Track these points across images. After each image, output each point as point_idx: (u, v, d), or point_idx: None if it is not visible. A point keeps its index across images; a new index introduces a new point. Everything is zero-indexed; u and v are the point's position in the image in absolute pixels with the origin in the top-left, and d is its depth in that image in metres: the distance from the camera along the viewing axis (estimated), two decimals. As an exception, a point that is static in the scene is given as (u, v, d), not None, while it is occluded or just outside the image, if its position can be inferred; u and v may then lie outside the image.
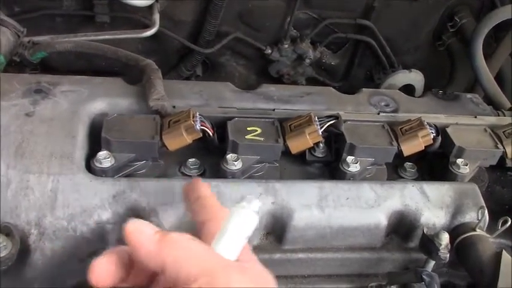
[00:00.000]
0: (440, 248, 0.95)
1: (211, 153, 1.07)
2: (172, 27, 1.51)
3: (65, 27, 1.43)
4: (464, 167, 1.09)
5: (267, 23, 1.60)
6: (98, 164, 0.96)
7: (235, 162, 1.01)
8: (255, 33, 1.60)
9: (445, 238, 0.95)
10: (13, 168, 0.91)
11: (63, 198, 0.90)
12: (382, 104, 1.23)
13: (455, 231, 1.02)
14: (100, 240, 0.92)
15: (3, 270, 0.82)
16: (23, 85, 1.07)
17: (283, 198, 0.97)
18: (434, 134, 1.11)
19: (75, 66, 1.45)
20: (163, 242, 0.62)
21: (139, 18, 1.45)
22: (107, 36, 1.36)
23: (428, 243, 0.97)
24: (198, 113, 1.03)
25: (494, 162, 1.14)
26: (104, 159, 0.97)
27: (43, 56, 1.25)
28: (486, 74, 1.41)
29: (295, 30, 1.63)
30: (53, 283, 0.88)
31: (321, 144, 1.11)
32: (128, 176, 1.00)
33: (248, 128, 1.06)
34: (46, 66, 1.43)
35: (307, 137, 1.04)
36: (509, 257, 0.95)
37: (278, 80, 1.70)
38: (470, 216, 1.03)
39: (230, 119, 1.07)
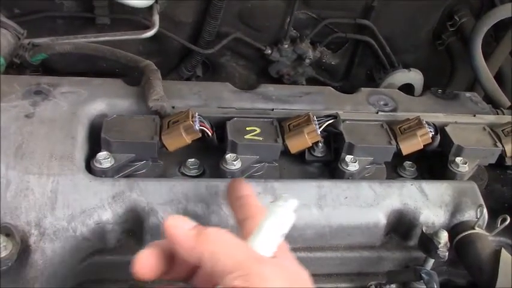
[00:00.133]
0: (439, 246, 0.95)
1: (210, 153, 1.07)
2: (173, 28, 1.51)
3: (66, 29, 1.44)
4: (463, 166, 1.09)
5: (267, 24, 1.60)
6: (97, 165, 0.97)
7: (235, 162, 1.01)
8: (255, 33, 1.61)
9: (444, 236, 0.96)
10: (13, 169, 0.92)
11: (63, 198, 0.90)
12: (381, 103, 1.24)
13: (455, 229, 1.02)
14: (100, 240, 0.92)
15: (3, 271, 0.83)
16: (23, 86, 1.08)
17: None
18: (433, 133, 1.12)
19: (76, 68, 1.45)
20: (200, 237, 0.64)
21: (139, 19, 1.46)
22: (107, 38, 1.37)
23: (427, 242, 0.97)
24: (197, 113, 1.04)
25: (493, 160, 1.14)
26: (104, 159, 0.97)
27: (43, 58, 1.25)
28: (485, 72, 1.41)
29: (295, 31, 1.63)
30: (53, 283, 0.88)
31: (320, 144, 1.12)
32: (127, 176, 1.00)
33: (247, 128, 1.06)
34: (47, 68, 1.44)
35: (306, 136, 1.05)
36: (508, 255, 0.95)
37: (278, 80, 1.70)
38: (469, 215, 1.03)
39: (229, 119, 1.08)
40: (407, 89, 1.66)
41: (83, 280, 0.96)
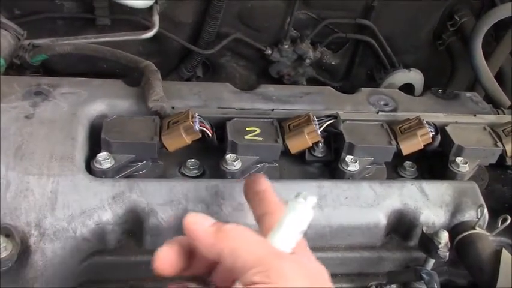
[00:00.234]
0: (440, 246, 0.95)
1: (210, 154, 1.07)
2: (173, 28, 1.51)
3: (66, 30, 1.44)
4: (463, 166, 1.09)
5: (267, 24, 1.60)
6: (97, 165, 0.97)
7: (235, 163, 1.01)
8: (255, 34, 1.61)
9: (444, 237, 0.95)
10: (13, 170, 0.92)
11: (63, 199, 0.90)
12: (381, 103, 1.24)
13: (455, 229, 1.01)
14: (100, 241, 0.92)
15: (3, 272, 0.83)
16: (23, 87, 1.08)
17: (282, 198, 0.97)
18: (434, 133, 1.11)
19: (76, 69, 1.45)
20: (220, 233, 0.65)
21: (139, 20, 1.46)
22: (107, 39, 1.37)
23: (428, 242, 0.97)
24: (197, 114, 1.04)
25: (493, 160, 1.14)
26: (104, 160, 0.97)
27: (43, 59, 1.25)
28: (486, 72, 1.41)
29: (295, 31, 1.63)
30: (53, 284, 0.88)
31: (320, 144, 1.12)
32: (127, 177, 1.00)
33: (247, 128, 1.06)
34: (48, 69, 1.44)
35: (306, 136, 1.04)
36: (509, 255, 0.95)
37: (279, 80, 1.70)
38: (469, 215, 1.03)
39: (229, 119, 1.08)
40: (408, 89, 1.66)
41: (83, 281, 0.96)
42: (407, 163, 1.14)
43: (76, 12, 1.45)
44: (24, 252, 0.86)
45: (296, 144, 1.05)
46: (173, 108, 1.09)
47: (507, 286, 0.92)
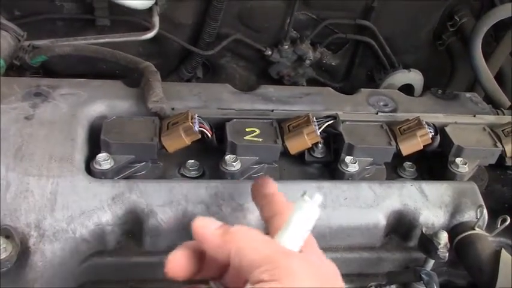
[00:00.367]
0: (439, 247, 0.95)
1: (210, 155, 1.07)
2: (172, 29, 1.51)
3: (66, 31, 1.44)
4: (463, 166, 1.09)
5: (267, 24, 1.60)
6: (97, 166, 0.97)
7: (234, 163, 1.01)
8: (255, 34, 1.61)
9: (443, 237, 0.95)
10: (13, 171, 0.92)
11: (63, 200, 0.90)
12: (381, 103, 1.24)
13: (454, 230, 1.01)
14: (99, 241, 0.92)
15: (3, 272, 0.83)
16: (23, 88, 1.08)
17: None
18: (433, 134, 1.11)
19: (76, 70, 1.45)
20: (227, 235, 0.66)
21: (139, 21, 1.46)
22: (107, 40, 1.37)
23: (427, 243, 0.97)
24: (196, 115, 1.04)
25: (493, 161, 1.14)
26: (103, 161, 0.97)
27: (43, 60, 1.25)
28: (485, 72, 1.41)
29: (295, 31, 1.64)
30: (53, 285, 0.88)
31: (319, 145, 1.12)
32: (127, 177, 1.00)
33: (247, 129, 1.06)
34: (48, 70, 1.44)
35: (306, 137, 1.05)
36: (509, 255, 0.95)
37: (279, 81, 1.70)
38: (469, 215, 1.03)
39: (229, 120, 1.08)
40: (407, 89, 1.67)
41: (83, 281, 0.97)
42: (407, 164, 1.14)
43: (76, 13, 1.46)
44: (23, 253, 0.86)
45: (295, 145, 1.06)
46: (173, 109, 1.09)
47: (507, 286, 0.92)
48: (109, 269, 0.98)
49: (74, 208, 0.90)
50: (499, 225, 0.98)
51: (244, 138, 1.04)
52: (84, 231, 0.90)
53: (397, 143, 1.09)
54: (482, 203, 1.03)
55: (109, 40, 1.36)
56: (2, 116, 1.00)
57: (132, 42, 1.43)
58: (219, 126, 1.08)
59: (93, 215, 0.91)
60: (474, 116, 1.23)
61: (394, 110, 1.22)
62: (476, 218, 1.00)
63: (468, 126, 1.17)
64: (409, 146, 1.09)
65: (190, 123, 1.00)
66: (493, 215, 1.02)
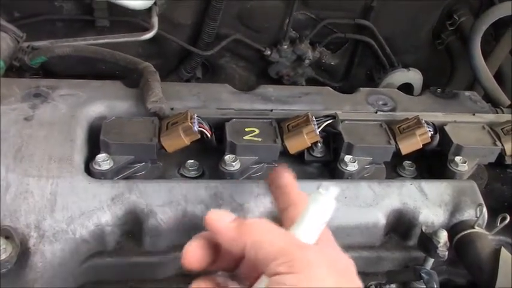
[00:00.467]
0: (439, 245, 0.95)
1: (209, 155, 1.07)
2: (172, 30, 1.51)
3: (65, 32, 1.44)
4: (462, 165, 1.09)
5: (266, 24, 1.60)
6: (97, 167, 0.97)
7: (234, 163, 1.02)
8: (254, 34, 1.61)
9: (443, 236, 0.95)
10: (12, 172, 0.92)
11: (63, 201, 0.91)
12: (380, 103, 1.24)
13: (454, 229, 1.02)
14: (99, 242, 0.93)
15: (3, 273, 0.83)
16: (22, 89, 1.08)
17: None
18: (432, 132, 1.12)
19: (75, 71, 1.46)
20: (242, 227, 0.66)
21: (138, 21, 1.46)
22: (106, 40, 1.37)
23: (427, 242, 0.97)
24: (195, 115, 1.04)
25: (492, 159, 1.14)
26: (103, 161, 0.97)
27: (43, 61, 1.25)
28: (485, 71, 1.41)
29: (294, 31, 1.63)
30: (53, 285, 0.88)
31: (319, 144, 1.12)
32: (126, 178, 1.01)
33: (246, 129, 1.06)
34: (47, 71, 1.44)
35: (305, 137, 1.05)
36: (508, 254, 0.95)
37: (278, 81, 1.70)
38: (468, 214, 1.03)
39: (228, 120, 1.08)
40: (407, 88, 1.66)
41: (83, 282, 0.97)
42: (406, 163, 1.14)
43: (75, 14, 1.46)
44: (23, 254, 0.86)
45: (295, 145, 1.06)
46: (172, 109, 1.09)
47: (506, 285, 0.92)
48: (109, 270, 0.98)
49: (74, 209, 0.90)
50: (498, 224, 0.99)
51: (244, 138, 1.04)
52: (84, 232, 0.90)
53: (396, 142, 1.09)
54: (482, 201, 1.03)
55: (108, 41, 1.36)
56: (1, 117, 1.01)
57: (132, 43, 1.43)
58: (218, 126, 1.08)
59: (93, 215, 0.91)
60: (473, 114, 1.23)
61: (394, 109, 1.22)
62: (476, 217, 1.00)
63: (467, 125, 1.17)
64: (409, 145, 1.09)
65: (190, 123, 1.00)
66: (493, 213, 1.02)
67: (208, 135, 1.05)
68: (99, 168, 0.97)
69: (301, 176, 1.12)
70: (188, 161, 1.06)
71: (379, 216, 1.00)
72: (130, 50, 1.40)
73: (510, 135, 1.13)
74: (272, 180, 0.80)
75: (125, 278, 1.01)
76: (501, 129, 1.15)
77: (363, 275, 1.08)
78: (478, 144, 1.12)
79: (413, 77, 1.70)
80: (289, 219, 0.71)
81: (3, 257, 0.82)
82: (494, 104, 1.34)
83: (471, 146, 1.10)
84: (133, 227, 0.94)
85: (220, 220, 0.68)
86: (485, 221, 1.02)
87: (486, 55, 1.48)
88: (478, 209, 1.01)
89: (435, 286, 0.97)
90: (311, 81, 1.73)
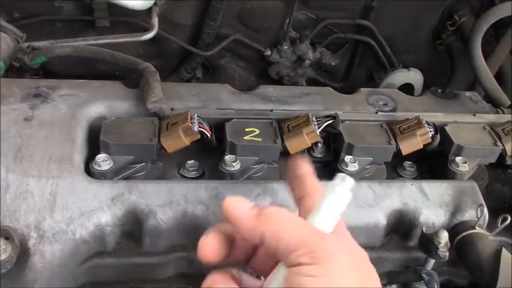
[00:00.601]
0: (440, 246, 0.95)
1: (209, 155, 1.07)
2: (172, 30, 1.51)
3: (65, 32, 1.44)
4: (463, 165, 1.09)
5: (266, 25, 1.60)
6: (96, 167, 0.97)
7: (234, 163, 1.01)
8: (255, 35, 1.61)
9: (444, 236, 0.95)
10: (12, 172, 0.92)
11: (62, 201, 0.90)
12: (381, 103, 1.24)
13: (455, 229, 1.01)
14: (99, 242, 0.92)
15: (3, 274, 0.83)
16: (22, 90, 1.08)
17: (282, 199, 0.97)
18: (433, 133, 1.11)
19: (76, 71, 1.45)
20: (262, 216, 0.65)
21: (138, 22, 1.46)
22: (106, 41, 1.37)
23: (428, 242, 0.96)
24: (196, 115, 1.03)
25: (493, 160, 1.13)
26: (103, 162, 0.97)
27: (43, 61, 1.25)
28: (485, 71, 1.41)
29: (294, 32, 1.63)
30: (52, 285, 0.88)
31: (319, 145, 1.12)
32: (126, 178, 1.00)
33: (246, 129, 1.06)
34: (47, 71, 1.44)
35: (305, 137, 1.04)
36: (509, 254, 0.95)
37: (278, 81, 1.70)
38: (469, 215, 1.02)
39: (228, 120, 1.08)
40: (407, 89, 1.66)
41: (83, 282, 0.96)
42: (407, 163, 1.14)
43: (75, 14, 1.45)
44: (23, 254, 0.86)
45: (295, 145, 1.05)
46: (172, 109, 1.09)
47: (507, 286, 0.92)
48: (109, 270, 0.97)
49: (74, 209, 0.90)
50: (499, 224, 0.98)
51: (244, 138, 1.04)
52: (83, 232, 0.90)
53: (397, 142, 1.08)
54: (483, 202, 1.03)
55: (108, 41, 1.36)
56: (1, 117, 1.00)
57: (132, 43, 1.43)
58: (218, 127, 1.07)
59: (93, 215, 0.90)
60: (474, 115, 1.23)
61: (394, 110, 1.22)
62: (477, 217, 1.00)
63: (468, 125, 1.17)
64: (409, 145, 1.09)
65: (190, 124, 1.00)
66: (494, 214, 1.02)
67: (209, 136, 1.05)
68: (99, 168, 0.97)
69: (302, 176, 1.12)
70: (188, 161, 1.06)
71: (379, 217, 1.00)
72: (130, 50, 1.40)
73: (511, 136, 1.13)
74: (289, 170, 0.79)
75: (125, 278, 1.00)
76: (502, 129, 1.15)
77: (364, 275, 1.08)
78: (479, 145, 1.11)
79: (414, 77, 1.70)
80: (304, 209, 0.71)
81: (3, 257, 0.82)
82: (495, 105, 1.34)
83: (472, 146, 1.10)
84: (133, 227, 0.94)
85: (239, 207, 0.66)
86: (486, 222, 1.02)
87: (486, 55, 1.48)
88: (478, 209, 1.00)
89: (436, 287, 0.97)
90: (311, 82, 1.73)
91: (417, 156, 1.14)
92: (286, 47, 1.62)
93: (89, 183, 0.94)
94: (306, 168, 0.78)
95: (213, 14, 1.47)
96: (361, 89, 1.28)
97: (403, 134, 1.09)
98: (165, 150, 1.02)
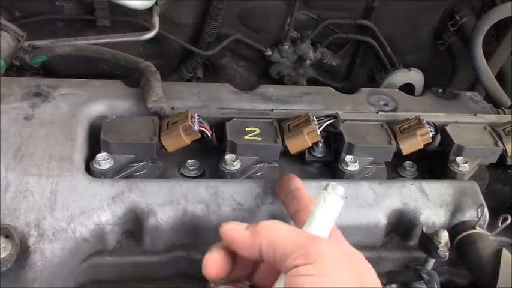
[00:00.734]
0: (440, 246, 0.95)
1: (210, 154, 1.07)
2: (173, 29, 1.51)
3: (66, 32, 1.44)
4: (463, 165, 1.09)
5: (267, 24, 1.60)
6: (97, 166, 0.97)
7: (234, 163, 1.01)
8: (255, 34, 1.61)
9: (444, 236, 0.95)
10: (12, 171, 0.92)
11: (63, 200, 0.90)
12: (381, 103, 1.24)
13: (455, 229, 1.01)
14: (99, 241, 0.92)
15: (2, 272, 0.83)
16: (22, 88, 1.08)
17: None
18: (434, 133, 1.11)
19: (76, 70, 1.45)
20: (256, 231, 0.69)
21: (139, 21, 1.46)
22: (107, 40, 1.37)
23: (428, 242, 0.96)
24: (196, 114, 1.04)
25: (494, 160, 1.13)
26: (103, 160, 0.97)
27: (43, 60, 1.25)
28: (486, 72, 1.41)
29: (295, 31, 1.63)
30: (52, 284, 0.88)
31: (320, 144, 1.12)
32: (127, 177, 1.00)
33: (247, 129, 1.06)
34: (48, 70, 1.44)
35: (306, 136, 1.04)
36: (509, 254, 0.95)
37: (279, 81, 1.70)
38: (470, 215, 1.02)
39: (229, 119, 1.08)
40: (408, 88, 1.66)
41: (83, 281, 0.97)
42: (407, 163, 1.14)
43: (76, 13, 1.45)
44: (23, 252, 0.86)
45: (295, 145, 1.05)
46: (173, 108, 1.09)
47: (507, 286, 0.92)
48: (109, 269, 0.97)
49: (74, 208, 0.90)
50: (499, 225, 0.98)
51: (244, 137, 1.04)
52: (84, 231, 0.90)
53: (397, 142, 1.08)
54: (483, 202, 1.03)
55: (109, 40, 1.36)
56: (1, 116, 1.00)
57: (133, 43, 1.43)
58: (219, 126, 1.07)
59: (93, 214, 0.90)
60: (475, 115, 1.23)
61: (395, 109, 1.22)
62: (477, 217, 1.00)
63: (469, 126, 1.17)
64: (410, 145, 1.09)
65: (190, 123, 1.00)
66: (494, 214, 1.02)
67: (209, 135, 1.05)
68: (100, 167, 0.97)
69: (302, 176, 1.09)
70: (188, 161, 1.06)
71: (379, 217, 1.00)
72: (131, 49, 1.40)
73: (511, 136, 1.13)
74: (281, 185, 0.84)
75: (125, 277, 1.00)
76: (502, 129, 1.15)
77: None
78: (480, 145, 1.11)
79: (415, 77, 1.70)
80: (300, 221, 0.74)
81: (2, 255, 0.82)
82: (496, 105, 1.34)
83: (472, 146, 1.10)
84: (134, 226, 0.94)
85: (235, 229, 0.70)
86: (487, 222, 1.02)
87: (488, 56, 1.48)
88: (479, 209, 1.00)
89: (436, 287, 0.97)
90: (312, 82, 1.73)
91: (418, 156, 1.14)
92: (287, 47, 1.62)
93: (89, 182, 0.94)
94: (298, 183, 0.83)
95: (214, 13, 1.47)
96: (362, 88, 1.28)
97: (404, 134, 1.09)
98: (166, 149, 1.02)
